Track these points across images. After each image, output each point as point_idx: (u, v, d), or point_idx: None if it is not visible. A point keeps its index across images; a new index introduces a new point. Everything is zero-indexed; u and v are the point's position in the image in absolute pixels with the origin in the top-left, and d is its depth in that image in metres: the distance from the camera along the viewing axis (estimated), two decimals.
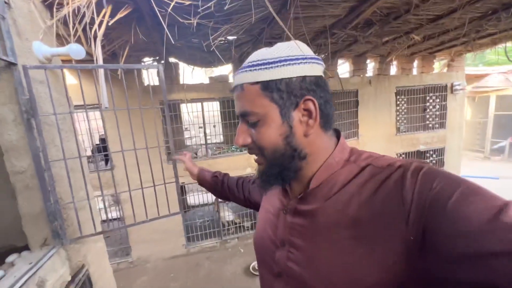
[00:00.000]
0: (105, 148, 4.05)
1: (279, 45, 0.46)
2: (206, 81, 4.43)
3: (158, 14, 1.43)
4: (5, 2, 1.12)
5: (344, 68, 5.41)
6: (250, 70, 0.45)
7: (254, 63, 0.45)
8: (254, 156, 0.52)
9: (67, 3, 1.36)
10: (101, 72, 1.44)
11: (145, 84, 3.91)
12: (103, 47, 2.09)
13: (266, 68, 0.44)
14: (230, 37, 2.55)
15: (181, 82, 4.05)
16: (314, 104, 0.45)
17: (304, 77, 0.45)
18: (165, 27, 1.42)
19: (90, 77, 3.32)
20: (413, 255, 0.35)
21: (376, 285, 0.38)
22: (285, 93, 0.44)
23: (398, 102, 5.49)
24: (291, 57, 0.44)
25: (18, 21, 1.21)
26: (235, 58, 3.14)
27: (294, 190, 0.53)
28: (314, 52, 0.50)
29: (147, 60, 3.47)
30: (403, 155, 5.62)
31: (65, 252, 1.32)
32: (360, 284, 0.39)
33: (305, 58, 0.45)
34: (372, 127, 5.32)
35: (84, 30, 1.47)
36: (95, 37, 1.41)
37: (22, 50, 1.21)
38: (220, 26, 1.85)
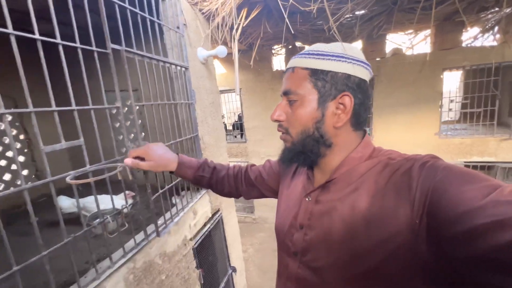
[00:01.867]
0: (241, 125, 5.04)
1: (336, 44, 0.52)
2: None
3: (281, 7, 1.58)
4: (184, 24, 1.66)
5: None
6: (304, 57, 0.51)
7: (310, 52, 0.52)
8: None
9: (217, 14, 1.78)
10: (236, 63, 1.83)
11: (274, 70, 4.36)
12: (241, 42, 2.55)
13: (318, 58, 0.50)
14: (357, 12, 2.31)
15: None
16: (351, 100, 0.49)
17: (349, 76, 0.49)
18: (285, 16, 1.56)
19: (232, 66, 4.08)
20: (418, 238, 0.38)
21: (377, 266, 0.42)
22: (328, 83, 0.49)
23: None
24: (342, 55, 0.49)
25: (190, 35, 1.76)
26: (363, 35, 2.81)
27: (317, 179, 0.57)
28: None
29: (277, 47, 3.82)
30: None
31: (209, 197, 1.91)
32: (364, 262, 0.43)
33: (356, 60, 0.50)
34: None
35: (230, 30, 1.89)
36: (234, 38, 1.79)
37: (191, 56, 1.76)
38: (342, 5, 1.75)
